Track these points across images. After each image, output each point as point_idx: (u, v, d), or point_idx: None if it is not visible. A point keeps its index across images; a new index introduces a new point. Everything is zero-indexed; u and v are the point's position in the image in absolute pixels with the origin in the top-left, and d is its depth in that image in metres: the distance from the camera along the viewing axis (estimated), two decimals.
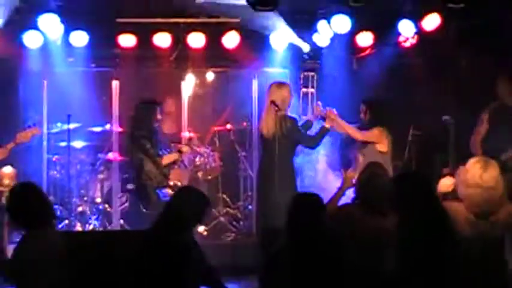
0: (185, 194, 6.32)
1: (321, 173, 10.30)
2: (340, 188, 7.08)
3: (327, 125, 8.81)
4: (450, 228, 5.64)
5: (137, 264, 5.89)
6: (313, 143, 8.89)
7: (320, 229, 5.72)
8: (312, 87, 11.40)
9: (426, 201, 5.65)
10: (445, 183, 7.10)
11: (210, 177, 11.20)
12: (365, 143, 9.11)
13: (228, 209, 11.32)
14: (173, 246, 5.86)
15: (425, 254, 5.49)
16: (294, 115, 8.99)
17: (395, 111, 9.83)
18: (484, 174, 5.95)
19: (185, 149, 10.18)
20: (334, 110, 8.96)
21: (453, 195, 6.48)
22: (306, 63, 11.30)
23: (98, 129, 11.04)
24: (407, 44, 10.51)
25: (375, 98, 9.62)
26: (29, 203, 5.74)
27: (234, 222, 11.09)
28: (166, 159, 9.89)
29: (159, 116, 9.77)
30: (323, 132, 8.82)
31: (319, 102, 9.29)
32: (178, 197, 6.25)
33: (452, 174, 7.04)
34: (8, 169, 10.10)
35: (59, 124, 10.72)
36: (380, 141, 9.07)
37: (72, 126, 10.37)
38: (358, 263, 5.89)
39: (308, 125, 9.15)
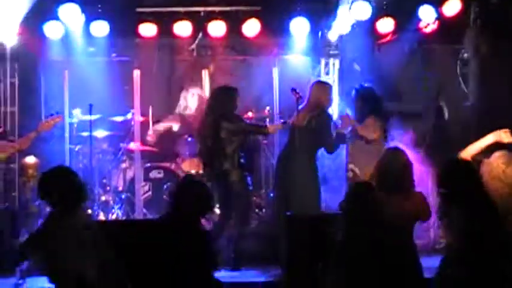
0: (186, 184, 6.39)
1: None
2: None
3: (342, 130, 8.95)
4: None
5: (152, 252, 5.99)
6: (332, 148, 9.06)
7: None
8: (334, 74, 11.36)
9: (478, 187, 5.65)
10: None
11: None
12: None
13: None
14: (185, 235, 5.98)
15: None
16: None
17: (416, 97, 9.77)
18: (507, 170, 5.95)
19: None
20: (348, 114, 9.10)
21: None
22: (327, 50, 11.25)
23: (119, 118, 11.07)
24: (428, 30, 10.45)
25: (367, 87, 9.50)
26: (57, 188, 5.86)
27: (257, 210, 11.08)
28: (272, 128, 9.76)
29: (238, 103, 9.52)
30: (339, 137, 8.98)
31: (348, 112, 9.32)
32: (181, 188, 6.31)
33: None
34: (31, 159, 10.19)
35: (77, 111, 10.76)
36: (374, 130, 9.08)
37: (93, 117, 10.35)
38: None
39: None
